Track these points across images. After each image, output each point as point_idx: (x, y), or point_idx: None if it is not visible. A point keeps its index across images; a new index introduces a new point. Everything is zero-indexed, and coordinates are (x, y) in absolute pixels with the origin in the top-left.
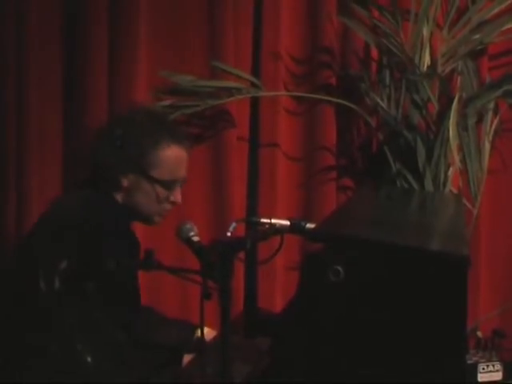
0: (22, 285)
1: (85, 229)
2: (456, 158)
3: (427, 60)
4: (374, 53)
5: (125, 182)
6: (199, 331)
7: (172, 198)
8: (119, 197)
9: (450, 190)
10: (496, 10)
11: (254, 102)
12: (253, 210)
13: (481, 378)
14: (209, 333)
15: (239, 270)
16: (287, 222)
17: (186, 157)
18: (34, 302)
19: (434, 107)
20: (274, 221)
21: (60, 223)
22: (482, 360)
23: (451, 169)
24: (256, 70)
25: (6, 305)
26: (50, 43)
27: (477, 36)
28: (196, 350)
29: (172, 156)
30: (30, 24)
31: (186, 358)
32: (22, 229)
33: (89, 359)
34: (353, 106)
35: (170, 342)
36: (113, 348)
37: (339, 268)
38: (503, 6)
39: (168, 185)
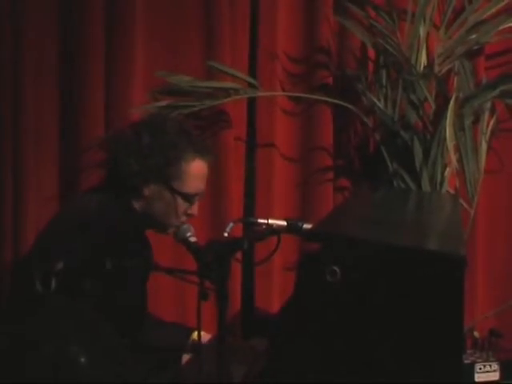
0: (18, 284)
1: (94, 230)
2: (453, 158)
3: (424, 60)
4: (371, 53)
5: (146, 191)
6: (195, 334)
7: (190, 211)
8: (137, 205)
9: (447, 191)
10: (492, 10)
11: (251, 103)
12: (250, 210)
13: (478, 377)
14: (204, 336)
15: (236, 270)
16: (284, 223)
17: (206, 171)
18: (29, 301)
19: (431, 107)
20: (271, 221)
21: (68, 224)
22: (479, 360)
23: (448, 169)
24: (253, 70)
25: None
26: (46, 43)
27: (473, 36)
28: (192, 352)
29: (195, 169)
30: (27, 24)
31: (185, 359)
32: (19, 229)
33: (83, 360)
34: (349, 106)
35: (166, 345)
36: (108, 349)
37: (336, 268)
38: (500, 6)
39: (189, 198)
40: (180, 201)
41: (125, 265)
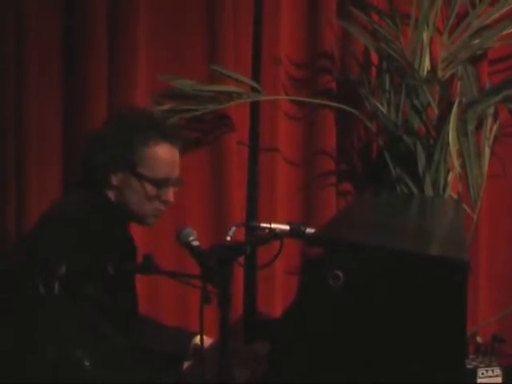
0: (21, 288)
1: (81, 230)
2: (456, 163)
3: (427, 65)
4: (374, 58)
5: (114, 180)
6: (196, 339)
7: (164, 197)
8: (112, 195)
9: (450, 195)
10: (496, 16)
11: (254, 107)
12: (252, 214)
13: (480, 382)
14: (205, 340)
15: (239, 274)
16: (287, 227)
17: (176, 156)
18: (33, 305)
19: (434, 112)
20: (273, 225)
21: (58, 225)
22: (482, 365)
23: (451, 174)
24: (256, 75)
25: (4, 307)
26: (49, 45)
27: (476, 41)
28: (193, 357)
29: (161, 154)
30: (29, 26)
31: (186, 365)
32: (22, 229)
33: (87, 363)
34: (353, 110)
35: (167, 350)
36: (112, 352)
37: (339, 273)
38: (503, 11)
39: (157, 183)
40: (148, 186)
41: (126, 268)
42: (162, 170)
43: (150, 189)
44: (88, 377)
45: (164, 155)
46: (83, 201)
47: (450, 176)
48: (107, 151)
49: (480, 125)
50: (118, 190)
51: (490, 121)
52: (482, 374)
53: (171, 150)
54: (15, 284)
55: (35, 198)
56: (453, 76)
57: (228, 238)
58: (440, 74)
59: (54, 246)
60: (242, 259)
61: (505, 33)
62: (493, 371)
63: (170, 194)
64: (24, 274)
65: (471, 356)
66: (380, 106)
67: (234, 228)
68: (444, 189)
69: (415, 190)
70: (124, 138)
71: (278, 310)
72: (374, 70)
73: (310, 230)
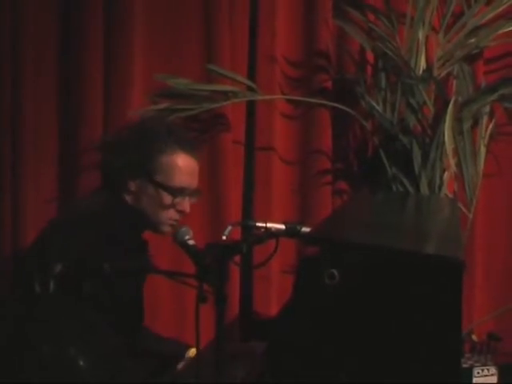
0: (17, 285)
1: (92, 231)
2: (451, 161)
3: (423, 64)
4: (370, 56)
5: (132, 186)
6: (191, 351)
7: (179, 207)
8: (129, 199)
9: (446, 194)
10: (491, 15)
11: (250, 106)
12: (248, 213)
13: (476, 381)
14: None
15: (234, 273)
16: (282, 226)
17: (195, 166)
18: (28, 303)
19: (430, 111)
20: (269, 224)
21: (66, 225)
22: (477, 364)
23: (447, 173)
24: (252, 74)
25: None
26: (45, 44)
27: (472, 40)
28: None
29: (178, 162)
30: (26, 25)
31: (180, 365)
32: (18, 231)
33: (81, 363)
34: (348, 109)
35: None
36: (107, 351)
37: (334, 271)
38: (498, 10)
39: (173, 191)
40: (164, 195)
41: (123, 268)
42: (178, 178)
43: (166, 197)
44: (82, 376)
45: (181, 164)
46: (101, 201)
47: (446, 175)
48: (125, 157)
49: (476, 123)
50: (135, 195)
51: (485, 119)
52: (478, 372)
53: (189, 159)
54: (13, 283)
55: (31, 199)
56: (448, 75)
57: (224, 237)
58: (436, 72)
59: (54, 244)
60: (237, 258)
61: (500, 32)
62: (488, 370)
63: (186, 203)
64: (22, 273)
65: (467, 355)
66: (376, 105)
67: (229, 227)
68: (440, 187)
69: (411, 189)
70: (142, 145)
71: (273, 309)
72: (369, 69)
73: (305, 229)
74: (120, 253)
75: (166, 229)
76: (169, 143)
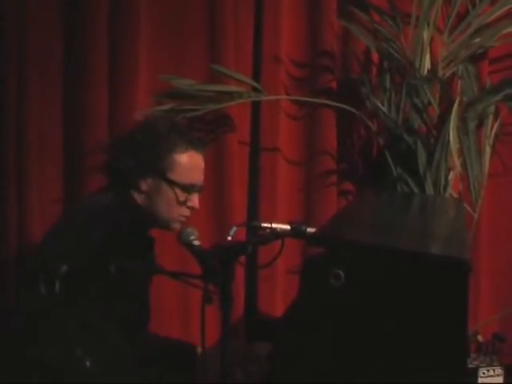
0: (23, 286)
1: (99, 231)
2: (456, 161)
3: (428, 64)
4: (375, 57)
5: (144, 186)
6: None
7: (190, 203)
8: (140, 200)
9: (451, 194)
10: (496, 15)
11: (255, 106)
12: (253, 214)
13: (481, 382)
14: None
15: (240, 274)
16: (288, 227)
17: (202, 163)
18: (34, 304)
19: (435, 111)
20: (274, 225)
21: (72, 225)
22: (483, 364)
23: (452, 173)
24: (257, 74)
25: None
26: (50, 46)
27: (477, 40)
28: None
29: (190, 160)
30: (32, 27)
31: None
32: (23, 231)
33: (88, 363)
34: (353, 110)
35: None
36: (113, 352)
37: (340, 272)
38: (503, 10)
39: (186, 188)
40: (178, 191)
41: (129, 269)
42: (190, 175)
43: (180, 194)
44: (88, 376)
45: (192, 161)
46: (108, 201)
47: (451, 175)
48: (136, 157)
49: (480, 123)
50: (146, 194)
51: (490, 119)
52: (483, 373)
53: (198, 156)
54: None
55: (36, 199)
56: (453, 75)
57: (229, 238)
58: (440, 72)
59: (60, 244)
60: (243, 259)
61: (505, 32)
62: (494, 370)
63: (195, 199)
64: (27, 273)
65: (472, 355)
66: (381, 105)
67: (234, 228)
68: (445, 188)
69: (416, 189)
70: (153, 144)
71: (278, 310)
72: (374, 70)
73: (310, 230)
74: (128, 251)
75: (176, 225)
76: (180, 142)
